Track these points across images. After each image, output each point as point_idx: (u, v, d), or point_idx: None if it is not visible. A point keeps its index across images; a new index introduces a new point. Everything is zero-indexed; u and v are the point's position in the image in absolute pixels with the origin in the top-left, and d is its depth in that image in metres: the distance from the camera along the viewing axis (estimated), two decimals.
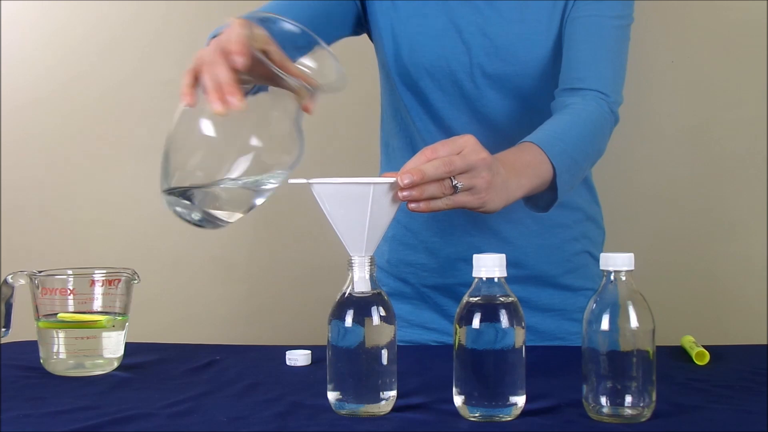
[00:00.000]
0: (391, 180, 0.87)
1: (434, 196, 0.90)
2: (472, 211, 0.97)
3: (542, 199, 1.11)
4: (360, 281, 0.85)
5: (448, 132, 1.25)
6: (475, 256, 0.84)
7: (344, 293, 0.85)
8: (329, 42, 1.29)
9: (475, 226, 1.29)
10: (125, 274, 1.09)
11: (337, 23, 1.28)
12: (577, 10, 1.22)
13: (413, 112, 1.28)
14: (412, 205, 0.90)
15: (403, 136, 1.31)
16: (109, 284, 1.07)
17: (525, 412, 0.83)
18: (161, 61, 1.91)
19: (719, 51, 1.75)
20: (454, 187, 0.91)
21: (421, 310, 1.33)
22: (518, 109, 1.25)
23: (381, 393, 0.84)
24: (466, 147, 0.92)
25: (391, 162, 1.35)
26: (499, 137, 1.13)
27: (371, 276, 0.86)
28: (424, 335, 1.33)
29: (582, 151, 1.13)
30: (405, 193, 0.88)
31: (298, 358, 1.12)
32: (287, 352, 1.13)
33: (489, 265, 0.83)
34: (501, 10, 1.24)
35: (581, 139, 1.13)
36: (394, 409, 0.86)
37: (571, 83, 1.20)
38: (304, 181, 0.87)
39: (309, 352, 1.13)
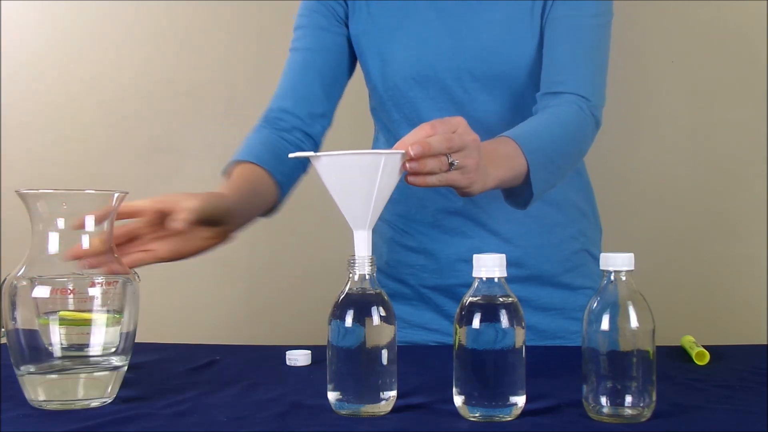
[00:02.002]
0: (401, 152, 0.87)
1: (432, 171, 0.91)
2: (457, 190, 0.97)
3: (521, 195, 1.11)
4: (361, 280, 0.85)
5: None
6: (475, 256, 0.84)
7: (344, 293, 0.85)
8: (344, 87, 1.32)
9: (474, 226, 1.29)
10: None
11: (345, 68, 1.32)
12: (555, 10, 1.22)
13: (403, 132, 1.29)
14: (411, 179, 0.90)
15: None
16: (108, 285, 1.07)
17: (525, 412, 0.83)
18: (162, 62, 1.91)
19: (719, 51, 1.75)
20: (450, 164, 0.92)
21: (420, 311, 1.33)
22: (509, 110, 1.25)
23: (381, 393, 0.84)
24: (459, 127, 0.93)
25: None
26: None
27: (371, 275, 0.86)
28: (424, 336, 1.33)
29: (559, 151, 1.13)
30: (412, 164, 0.88)
31: (298, 358, 1.12)
32: (287, 352, 1.13)
33: (489, 265, 0.83)
34: (483, 12, 1.24)
35: (558, 139, 1.14)
36: (394, 409, 0.86)
37: (551, 87, 1.21)
38: (311, 153, 0.87)
39: (309, 352, 1.13)
